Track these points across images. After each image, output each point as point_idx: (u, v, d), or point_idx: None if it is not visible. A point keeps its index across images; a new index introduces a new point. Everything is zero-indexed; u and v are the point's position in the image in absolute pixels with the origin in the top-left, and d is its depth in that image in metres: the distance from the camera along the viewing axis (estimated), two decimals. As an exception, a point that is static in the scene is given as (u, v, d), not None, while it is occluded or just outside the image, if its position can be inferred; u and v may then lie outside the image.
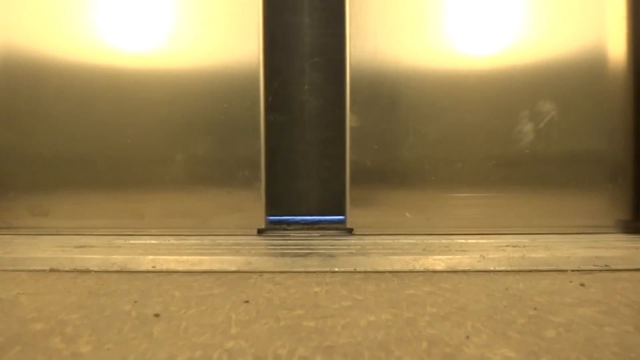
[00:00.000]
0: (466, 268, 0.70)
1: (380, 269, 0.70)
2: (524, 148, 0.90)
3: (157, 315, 0.51)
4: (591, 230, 0.91)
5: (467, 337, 0.45)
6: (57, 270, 0.70)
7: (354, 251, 0.77)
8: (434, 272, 0.69)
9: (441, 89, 0.90)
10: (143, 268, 0.71)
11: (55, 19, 0.90)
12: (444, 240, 0.85)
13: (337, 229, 0.94)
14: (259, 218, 0.91)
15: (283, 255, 0.75)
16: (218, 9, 0.89)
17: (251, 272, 0.69)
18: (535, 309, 0.53)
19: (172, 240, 0.86)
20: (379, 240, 0.86)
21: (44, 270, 0.70)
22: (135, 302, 0.56)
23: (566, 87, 0.90)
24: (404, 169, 0.91)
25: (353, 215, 0.92)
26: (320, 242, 0.85)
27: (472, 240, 0.85)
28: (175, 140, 0.91)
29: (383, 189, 0.91)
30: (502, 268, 0.70)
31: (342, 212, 0.93)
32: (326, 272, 0.69)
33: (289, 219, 1.02)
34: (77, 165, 0.92)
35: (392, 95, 0.90)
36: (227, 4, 0.89)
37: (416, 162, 0.91)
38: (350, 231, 0.92)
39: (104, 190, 0.92)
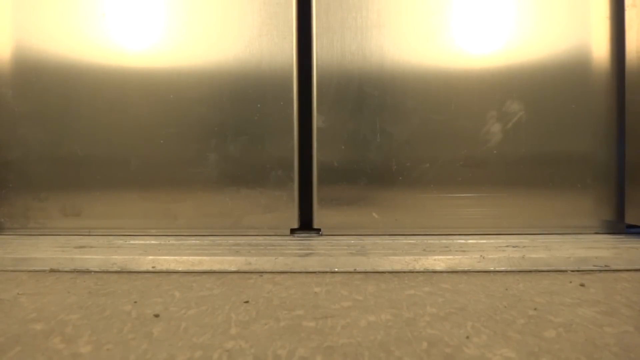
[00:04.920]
0: (466, 268, 0.70)
1: (381, 269, 0.70)
2: (492, 148, 0.91)
3: (157, 316, 0.51)
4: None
5: (467, 337, 0.45)
6: (57, 271, 0.70)
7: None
8: (434, 272, 0.69)
9: (409, 90, 0.90)
10: (143, 268, 0.71)
11: (87, 22, 0.91)
12: (444, 240, 0.86)
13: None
14: (292, 218, 0.91)
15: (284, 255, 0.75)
16: (252, 8, 0.90)
17: (251, 272, 0.70)
18: (535, 309, 0.53)
19: (172, 241, 0.86)
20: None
21: (44, 271, 0.70)
22: (135, 302, 0.56)
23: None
24: (371, 169, 0.91)
25: (320, 216, 0.92)
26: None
27: (472, 240, 0.86)
28: (208, 140, 0.91)
29: (350, 189, 0.91)
30: (502, 268, 0.70)
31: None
32: (326, 272, 0.69)
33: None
34: (110, 166, 0.92)
35: (359, 95, 0.90)
36: (262, 4, 0.89)
37: (384, 163, 0.91)
38: (317, 231, 0.93)
39: (137, 191, 0.92)
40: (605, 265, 0.70)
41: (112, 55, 0.91)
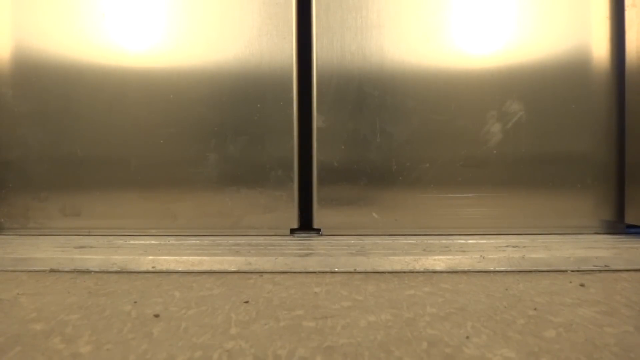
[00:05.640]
0: (466, 268, 0.70)
1: (381, 269, 0.70)
2: (492, 148, 0.91)
3: (157, 316, 0.51)
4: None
5: (467, 337, 0.45)
6: (57, 271, 0.70)
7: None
8: (434, 272, 0.69)
9: (409, 89, 0.90)
10: (143, 268, 0.71)
11: (87, 22, 0.91)
12: (444, 240, 0.86)
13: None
14: (292, 218, 0.91)
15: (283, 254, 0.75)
16: (252, 8, 0.90)
17: (251, 272, 0.70)
18: (535, 309, 0.53)
19: (172, 241, 0.86)
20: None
21: (43, 271, 0.70)
22: (135, 302, 0.56)
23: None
24: (371, 169, 0.91)
25: (320, 216, 0.92)
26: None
27: (472, 240, 0.86)
28: (208, 140, 0.91)
29: (350, 189, 0.91)
30: (502, 268, 0.70)
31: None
32: (326, 272, 0.69)
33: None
34: (110, 166, 0.92)
35: (359, 95, 0.90)
36: (262, 4, 0.90)
37: (384, 163, 0.91)
38: (317, 232, 0.93)
39: (137, 191, 0.92)
40: (605, 265, 0.70)
41: (112, 55, 0.91)
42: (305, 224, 0.95)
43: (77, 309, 0.54)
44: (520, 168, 0.91)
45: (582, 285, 0.62)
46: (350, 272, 0.69)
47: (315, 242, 0.85)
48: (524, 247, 0.79)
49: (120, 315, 0.52)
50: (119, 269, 0.71)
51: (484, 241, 0.85)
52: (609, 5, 0.90)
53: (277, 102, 0.90)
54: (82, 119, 0.92)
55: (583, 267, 0.70)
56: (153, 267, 0.71)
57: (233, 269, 0.71)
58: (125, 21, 0.91)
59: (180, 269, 0.71)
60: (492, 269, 0.70)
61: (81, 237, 0.91)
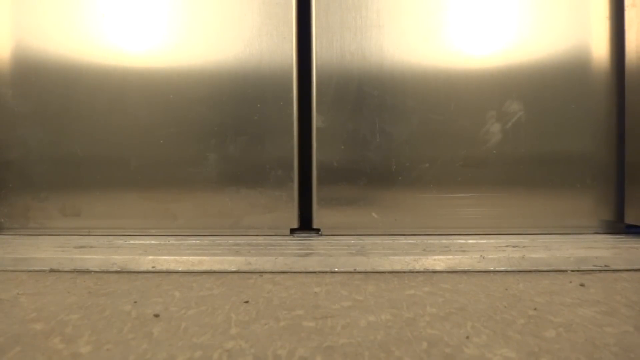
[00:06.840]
0: (466, 268, 0.70)
1: (381, 269, 0.70)
2: (491, 148, 0.91)
3: (157, 316, 0.51)
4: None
5: (467, 337, 0.45)
6: (57, 271, 0.70)
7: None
8: (434, 272, 0.69)
9: (408, 89, 0.90)
10: (143, 268, 0.71)
11: (87, 22, 0.91)
12: (444, 240, 0.86)
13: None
14: (292, 218, 0.91)
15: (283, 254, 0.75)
16: (252, 8, 0.90)
17: (251, 272, 0.70)
18: (535, 309, 0.53)
19: (172, 241, 0.86)
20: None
21: (43, 271, 0.70)
22: (135, 302, 0.56)
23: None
24: (371, 169, 0.91)
25: (320, 216, 0.92)
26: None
27: (472, 240, 0.86)
28: (208, 140, 0.91)
29: (350, 189, 0.91)
30: (502, 268, 0.70)
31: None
32: (326, 272, 0.69)
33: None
34: (110, 166, 0.92)
35: (359, 95, 0.90)
36: (262, 4, 0.90)
37: (383, 163, 0.91)
38: (317, 231, 0.93)
39: (137, 191, 0.92)
40: (605, 265, 0.70)
41: (112, 55, 0.91)
42: (305, 224, 0.95)
43: (77, 309, 0.54)
44: (520, 168, 0.91)
45: (582, 285, 0.62)
46: (350, 272, 0.69)
47: (315, 242, 0.85)
48: (524, 247, 0.79)
49: (120, 315, 0.52)
50: (119, 269, 0.71)
51: (484, 241, 0.85)
52: (608, 5, 0.90)
53: (277, 102, 0.90)
54: (82, 119, 0.92)
55: (583, 267, 0.70)
56: (153, 267, 0.71)
57: (233, 269, 0.71)
58: (125, 21, 0.91)
59: (180, 269, 0.71)
60: (492, 268, 0.70)
61: (81, 237, 0.91)
